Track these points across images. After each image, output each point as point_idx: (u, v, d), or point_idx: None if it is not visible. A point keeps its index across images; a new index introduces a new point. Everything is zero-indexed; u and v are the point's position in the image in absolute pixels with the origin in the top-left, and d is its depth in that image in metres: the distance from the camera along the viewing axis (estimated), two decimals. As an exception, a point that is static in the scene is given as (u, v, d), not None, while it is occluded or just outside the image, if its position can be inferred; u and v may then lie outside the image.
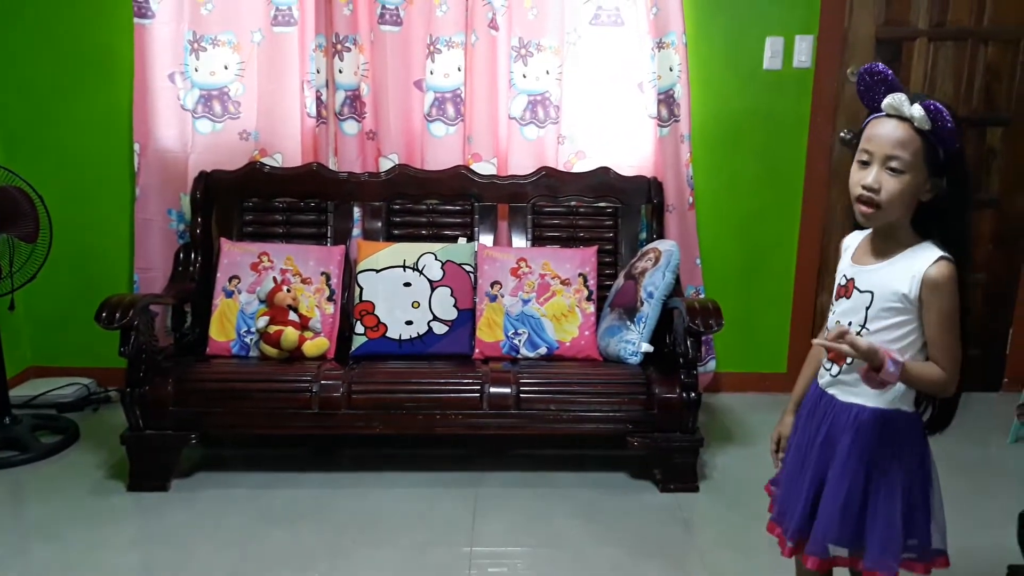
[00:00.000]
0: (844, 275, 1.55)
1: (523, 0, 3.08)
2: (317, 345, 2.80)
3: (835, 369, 1.53)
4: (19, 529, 2.51)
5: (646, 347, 2.73)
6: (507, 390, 2.62)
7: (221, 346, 2.83)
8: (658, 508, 2.57)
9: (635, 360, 2.73)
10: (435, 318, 2.85)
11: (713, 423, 3.20)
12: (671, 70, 3.13)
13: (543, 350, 2.83)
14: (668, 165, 3.19)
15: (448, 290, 2.88)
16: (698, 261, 3.30)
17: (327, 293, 2.93)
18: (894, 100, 1.39)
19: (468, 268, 2.93)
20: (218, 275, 2.91)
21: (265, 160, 3.14)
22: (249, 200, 3.10)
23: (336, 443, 2.97)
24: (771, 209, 3.38)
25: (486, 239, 3.11)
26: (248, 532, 2.41)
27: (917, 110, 1.37)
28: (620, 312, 2.82)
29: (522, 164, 3.18)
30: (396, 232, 3.12)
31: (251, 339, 2.83)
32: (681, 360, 2.61)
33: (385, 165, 3.18)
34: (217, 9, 3.07)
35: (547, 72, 3.14)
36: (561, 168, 3.18)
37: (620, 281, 2.93)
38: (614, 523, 2.49)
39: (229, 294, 2.88)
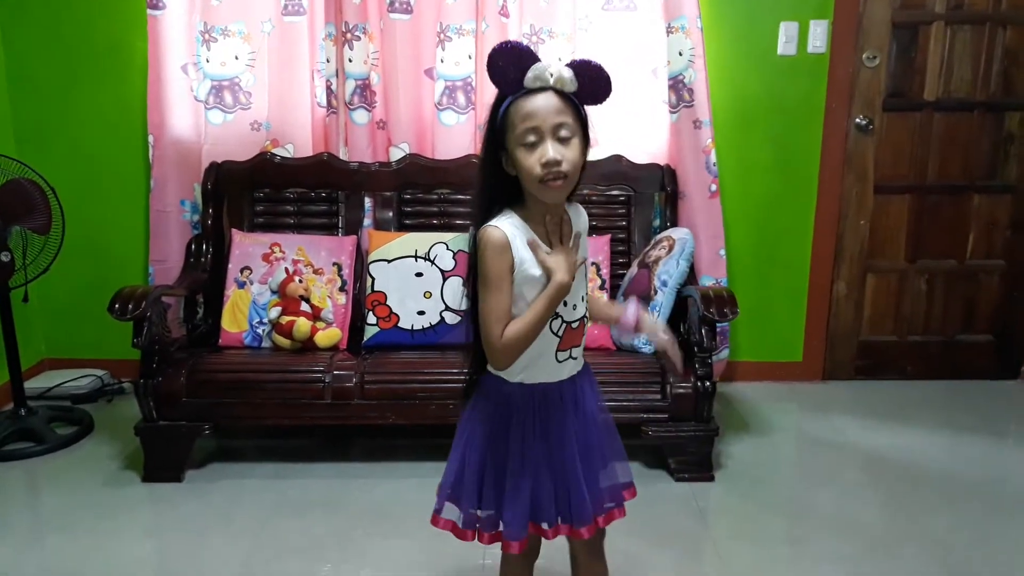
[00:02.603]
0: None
1: (534, -14, 3.05)
2: (329, 336, 2.80)
3: (576, 352, 1.57)
4: (34, 519, 2.53)
5: (660, 336, 2.71)
6: (520, 380, 2.60)
7: (233, 337, 2.84)
8: (673, 498, 2.55)
9: (649, 349, 2.72)
10: (447, 308, 2.84)
11: (728, 412, 3.18)
12: (683, 55, 3.09)
13: (556, 339, 2.81)
14: (685, 152, 3.13)
15: (460, 280, 2.86)
16: (722, 252, 3.15)
17: (339, 283, 2.92)
18: (538, 70, 1.34)
19: (480, 257, 2.91)
20: (230, 266, 2.91)
21: (276, 150, 3.13)
22: (260, 191, 3.10)
23: (349, 433, 2.97)
24: (786, 196, 3.34)
25: (498, 228, 3.08)
26: (261, 522, 2.41)
27: (566, 71, 1.35)
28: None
29: (534, 153, 3.14)
30: (407, 222, 3.10)
31: (263, 330, 2.83)
32: (696, 349, 2.59)
33: (396, 155, 3.17)
34: (227, -1, 3.07)
35: (559, 59, 3.09)
36: (573, 156, 3.14)
37: (633, 270, 2.91)
38: (628, 512, 2.46)
39: (241, 285, 2.88)
